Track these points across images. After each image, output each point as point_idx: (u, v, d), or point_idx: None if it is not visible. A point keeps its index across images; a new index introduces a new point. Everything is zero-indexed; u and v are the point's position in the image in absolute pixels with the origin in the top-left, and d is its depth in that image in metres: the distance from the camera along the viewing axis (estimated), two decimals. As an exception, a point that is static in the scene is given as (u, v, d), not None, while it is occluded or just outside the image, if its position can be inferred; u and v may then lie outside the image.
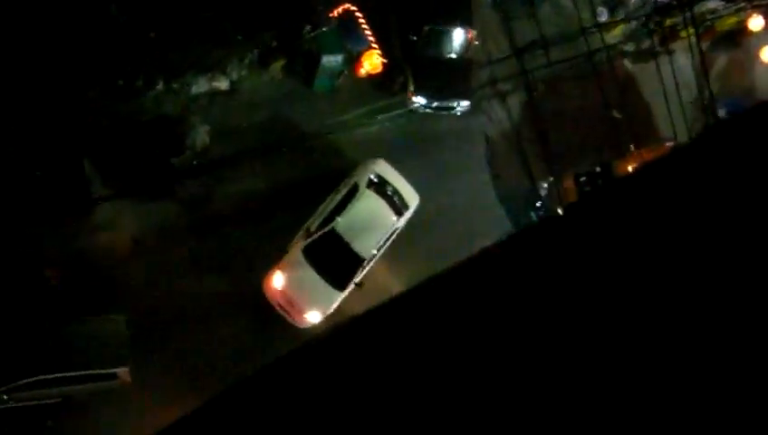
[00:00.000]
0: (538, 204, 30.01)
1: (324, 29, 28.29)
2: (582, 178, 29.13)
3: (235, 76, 28.19)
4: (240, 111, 28.26)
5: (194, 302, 25.96)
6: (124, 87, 27.00)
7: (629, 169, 27.73)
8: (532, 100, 30.92)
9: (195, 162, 27.24)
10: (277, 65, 28.67)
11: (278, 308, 25.89)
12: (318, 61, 28.24)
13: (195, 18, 26.72)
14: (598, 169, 28.99)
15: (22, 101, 25.78)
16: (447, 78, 29.64)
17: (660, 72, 29.21)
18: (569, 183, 29.13)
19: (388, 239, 26.55)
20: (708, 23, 32.79)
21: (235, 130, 27.85)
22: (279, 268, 25.91)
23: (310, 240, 25.84)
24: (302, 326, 25.80)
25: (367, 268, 26.27)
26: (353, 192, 26.38)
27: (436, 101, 29.63)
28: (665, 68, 29.68)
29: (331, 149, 28.55)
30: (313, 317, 25.74)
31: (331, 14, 28.58)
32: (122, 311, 24.61)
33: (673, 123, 28.57)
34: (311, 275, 25.69)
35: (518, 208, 29.99)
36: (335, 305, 25.92)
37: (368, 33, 29.05)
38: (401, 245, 27.33)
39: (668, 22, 32.41)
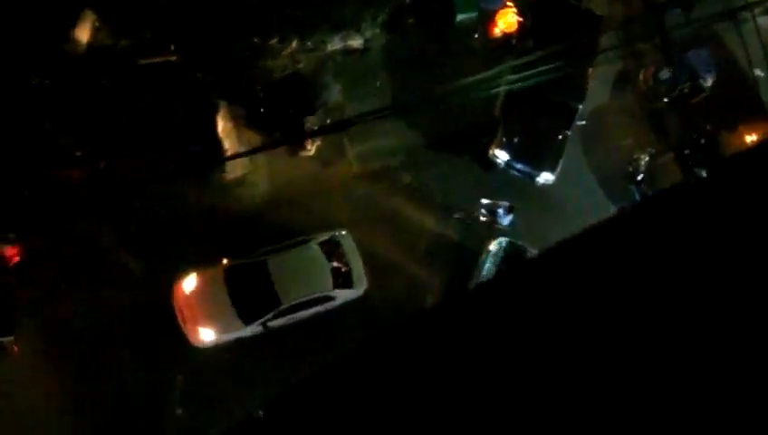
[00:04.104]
0: (639, 178, 28.90)
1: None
2: (687, 152, 28.03)
3: (368, 34, 28.08)
4: (373, 70, 28.16)
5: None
6: (259, 45, 27.19)
7: (741, 142, 26.46)
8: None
9: (328, 120, 27.25)
10: (410, 24, 28.43)
11: (178, 312, 24.71)
12: (452, 20, 27.91)
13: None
14: (702, 141, 27.83)
15: (160, 59, 26.29)
16: (540, 145, 28.10)
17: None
18: (671, 156, 28.11)
19: (315, 303, 25.08)
20: None
21: (368, 89, 27.75)
22: (196, 273, 24.91)
23: (237, 262, 24.95)
24: (191, 339, 24.52)
25: (280, 321, 24.94)
26: (304, 241, 25.51)
27: (519, 163, 28.18)
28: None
29: (463, 109, 28.19)
30: (206, 335, 24.50)
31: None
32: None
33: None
34: (222, 295, 24.55)
35: (617, 184, 28.98)
36: (233, 336, 24.72)
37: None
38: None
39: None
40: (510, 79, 27.49)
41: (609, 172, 29.16)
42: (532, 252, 26.32)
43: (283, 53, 27.29)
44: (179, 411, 24.52)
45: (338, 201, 27.25)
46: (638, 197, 28.81)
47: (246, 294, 24.58)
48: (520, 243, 26.71)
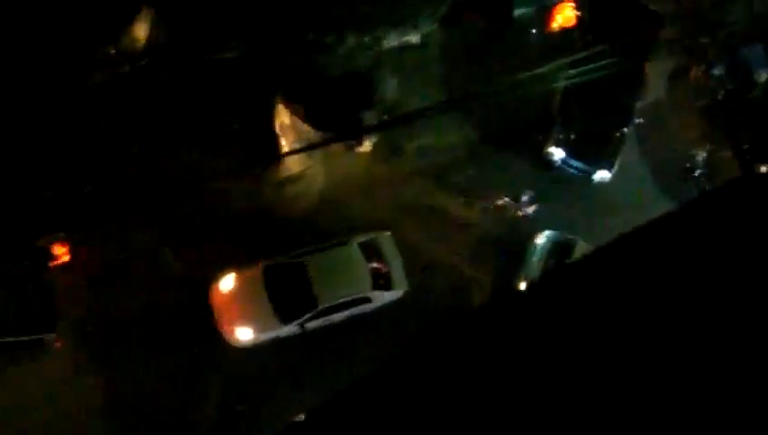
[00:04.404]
0: (696, 173, 28.54)
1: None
2: (745, 147, 27.67)
3: (425, 30, 27.91)
4: (431, 65, 27.99)
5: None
6: (315, 42, 27.10)
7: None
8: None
9: (385, 116, 27.13)
10: (467, 19, 28.24)
11: (215, 311, 24.68)
12: (509, 14, 27.73)
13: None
14: (760, 136, 27.49)
15: (220, 59, 26.30)
16: (597, 143, 27.83)
17: None
18: (729, 151, 27.76)
19: (353, 304, 24.91)
20: None
21: (425, 84, 27.59)
22: (235, 273, 24.87)
23: (276, 262, 24.82)
24: (228, 339, 24.50)
25: (319, 322, 24.83)
26: (343, 242, 25.35)
27: (576, 161, 27.95)
28: None
29: (519, 105, 27.98)
30: (244, 334, 24.46)
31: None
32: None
33: None
34: (260, 295, 24.49)
35: (675, 180, 28.64)
36: (270, 336, 24.61)
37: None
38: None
39: None
40: (568, 74, 27.28)
41: (667, 168, 28.85)
42: (582, 244, 26.12)
43: (340, 49, 27.16)
44: (239, 408, 24.51)
45: (390, 198, 27.15)
46: (696, 192, 28.52)
47: (284, 294, 24.52)
48: (569, 236, 26.43)
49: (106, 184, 25.29)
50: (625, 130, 27.99)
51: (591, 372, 3.34)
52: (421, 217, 27.06)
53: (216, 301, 24.67)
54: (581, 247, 26.08)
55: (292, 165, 27.06)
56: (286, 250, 25.14)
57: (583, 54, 27.51)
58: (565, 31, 28.54)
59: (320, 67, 27.02)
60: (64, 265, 24.46)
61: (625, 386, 3.27)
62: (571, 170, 28.08)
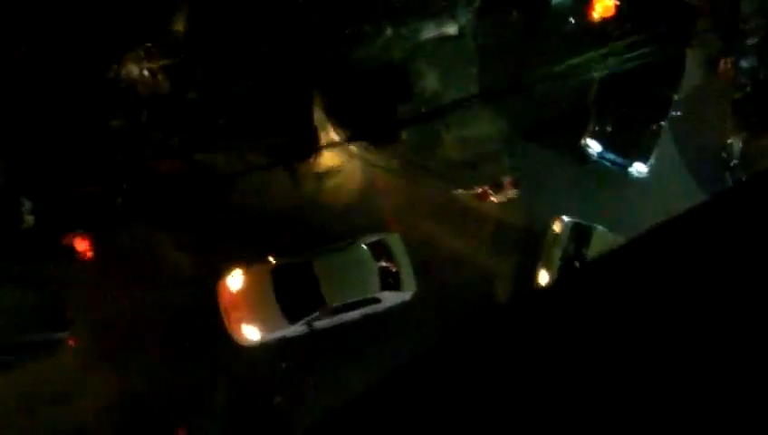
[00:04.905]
0: (732, 163, 28.29)
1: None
2: None
3: (463, 21, 27.68)
4: (468, 57, 27.77)
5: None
6: (353, 34, 26.91)
7: None
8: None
9: (423, 108, 26.96)
10: (505, 9, 28.01)
11: (222, 310, 24.57)
12: (547, 4, 27.47)
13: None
14: None
15: (256, 51, 26.12)
16: (634, 136, 27.56)
17: None
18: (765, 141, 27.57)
19: (361, 304, 24.77)
20: None
21: (464, 76, 27.40)
22: (242, 271, 24.71)
23: (284, 261, 24.66)
24: (235, 338, 24.42)
25: (327, 322, 24.71)
26: (351, 243, 25.18)
27: (612, 154, 27.68)
28: None
29: (559, 95, 27.79)
30: (251, 334, 24.35)
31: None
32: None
33: None
34: (267, 294, 24.34)
35: (711, 170, 28.41)
36: (278, 335, 24.49)
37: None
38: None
39: None
40: (607, 64, 27.07)
41: (702, 158, 28.64)
42: (599, 230, 26.04)
43: (378, 41, 26.97)
44: (278, 399, 24.52)
45: (422, 191, 26.99)
46: (732, 183, 28.33)
47: (292, 293, 24.37)
48: (585, 222, 26.28)
49: (141, 180, 25.23)
50: (662, 123, 27.76)
51: (620, 374, 3.26)
52: (440, 211, 26.93)
53: (224, 299, 24.61)
54: (599, 233, 26.04)
55: (328, 160, 26.95)
56: (300, 249, 25.04)
57: (621, 44, 27.31)
58: (604, 21, 28.24)
59: (358, 60, 26.85)
60: (86, 261, 24.41)
61: (665, 387, 3.15)
62: (607, 163, 27.88)
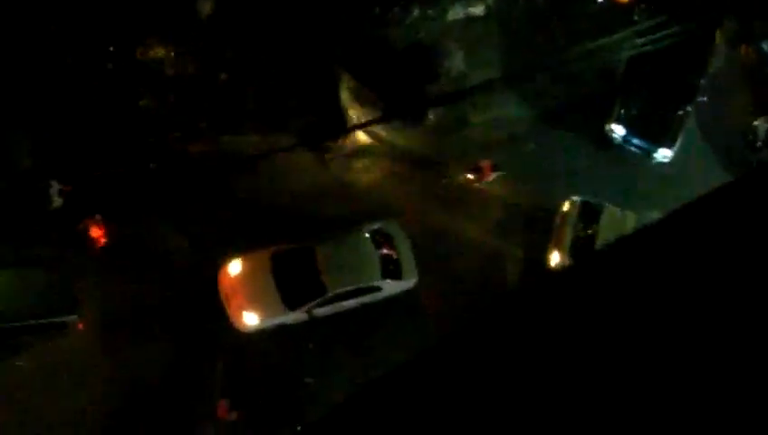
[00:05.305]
0: (758, 145, 28.15)
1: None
2: None
3: (489, 1, 27.63)
4: (494, 37, 27.72)
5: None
6: (380, 14, 26.90)
7: None
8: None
9: (450, 89, 26.95)
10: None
11: (223, 296, 24.45)
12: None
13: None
14: None
15: (280, 33, 26.13)
16: (659, 121, 27.42)
17: None
18: None
19: (362, 292, 24.62)
20: None
21: (491, 56, 27.36)
22: (243, 258, 24.61)
23: (284, 248, 24.54)
24: (236, 323, 24.27)
25: (328, 310, 24.60)
26: (352, 230, 25.14)
27: (637, 138, 27.51)
28: None
29: (584, 78, 27.69)
30: (250, 320, 24.20)
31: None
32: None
33: None
34: (267, 280, 24.23)
35: (736, 151, 28.22)
36: (277, 321, 24.39)
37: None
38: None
39: None
40: (633, 44, 26.97)
41: (728, 141, 28.54)
42: (609, 208, 25.99)
43: (406, 22, 26.94)
44: (309, 380, 24.56)
45: (444, 177, 27.01)
46: (756, 164, 28.23)
47: (292, 280, 24.26)
48: (595, 200, 26.25)
49: (166, 166, 25.23)
50: (688, 108, 27.71)
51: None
52: (454, 197, 26.89)
53: (224, 285, 24.52)
54: (609, 211, 25.97)
55: (355, 141, 26.95)
56: (308, 235, 24.98)
57: (648, 24, 27.19)
58: (631, 1, 28.14)
59: (385, 40, 26.83)
60: (98, 247, 24.48)
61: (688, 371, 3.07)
62: (632, 148, 27.79)
